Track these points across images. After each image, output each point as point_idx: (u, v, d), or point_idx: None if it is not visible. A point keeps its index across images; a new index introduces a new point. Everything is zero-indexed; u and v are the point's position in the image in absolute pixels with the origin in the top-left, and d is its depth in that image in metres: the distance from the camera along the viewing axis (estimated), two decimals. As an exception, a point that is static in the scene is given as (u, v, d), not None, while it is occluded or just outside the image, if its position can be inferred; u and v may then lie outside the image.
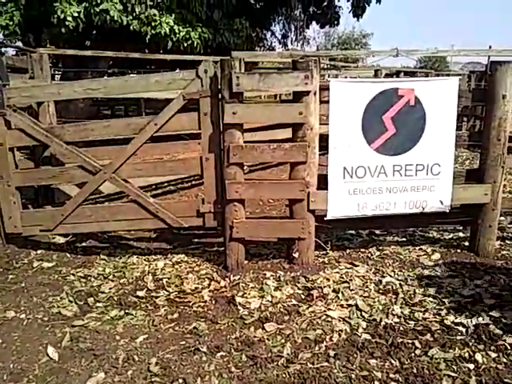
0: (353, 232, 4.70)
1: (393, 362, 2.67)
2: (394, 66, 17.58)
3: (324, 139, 3.72)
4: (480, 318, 3.06)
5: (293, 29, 13.98)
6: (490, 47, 7.97)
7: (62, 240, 4.54)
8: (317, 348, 2.80)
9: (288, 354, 2.75)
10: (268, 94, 8.02)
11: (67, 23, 8.43)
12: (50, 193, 4.63)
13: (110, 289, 3.62)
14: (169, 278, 3.75)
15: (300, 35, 14.22)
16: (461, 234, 4.64)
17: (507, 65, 3.71)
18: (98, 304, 3.39)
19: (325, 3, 12.99)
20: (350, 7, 12.75)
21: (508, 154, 3.96)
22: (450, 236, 4.64)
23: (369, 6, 12.64)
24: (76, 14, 8.45)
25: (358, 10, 12.50)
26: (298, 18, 14.24)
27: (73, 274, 3.88)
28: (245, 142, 3.66)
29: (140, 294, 3.51)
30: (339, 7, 13.41)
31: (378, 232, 4.72)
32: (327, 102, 3.66)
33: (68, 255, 4.28)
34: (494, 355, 2.70)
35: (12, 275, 3.87)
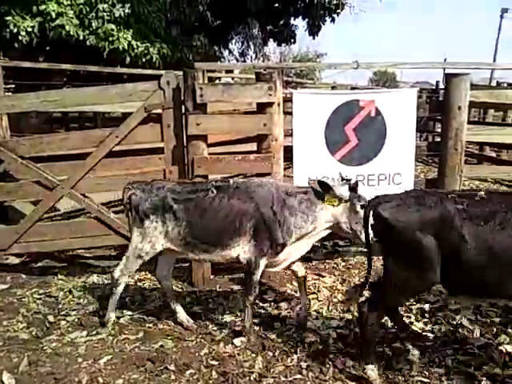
0: (317, 244, 4.69)
1: (366, 370, 2.64)
2: (349, 84, 18.05)
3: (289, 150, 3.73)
4: (447, 324, 3.10)
5: (252, 46, 14.16)
6: (445, 60, 8.27)
7: (16, 260, 4.29)
8: (289, 361, 2.75)
9: (260, 369, 2.68)
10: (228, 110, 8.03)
11: (20, 38, 8.16)
12: (3, 211, 4.39)
13: (70, 310, 3.45)
14: (132, 296, 3.62)
15: (260, 52, 14.38)
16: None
17: (462, 77, 3.85)
18: (57, 326, 3.21)
19: (281, 22, 13.23)
20: (305, 25, 13.06)
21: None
22: (412, 245, 4.71)
23: (324, 24, 12.97)
24: (30, 29, 8.19)
25: (314, 28, 12.80)
26: (257, 36, 14.38)
27: (29, 296, 3.67)
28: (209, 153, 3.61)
29: (102, 313, 3.35)
30: (295, 25, 13.73)
31: (341, 243, 4.74)
32: (290, 113, 3.68)
33: (23, 276, 4.05)
34: (462, 358, 2.73)
35: (-39, 299, 3.62)
